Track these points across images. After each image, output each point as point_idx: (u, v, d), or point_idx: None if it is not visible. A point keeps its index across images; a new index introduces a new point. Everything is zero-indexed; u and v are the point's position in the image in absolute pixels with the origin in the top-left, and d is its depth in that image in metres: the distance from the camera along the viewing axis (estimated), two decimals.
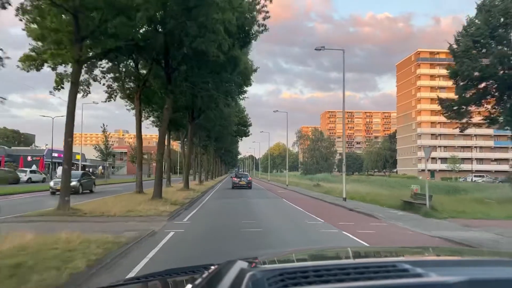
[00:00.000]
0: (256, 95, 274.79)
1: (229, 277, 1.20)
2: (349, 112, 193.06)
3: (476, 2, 25.19)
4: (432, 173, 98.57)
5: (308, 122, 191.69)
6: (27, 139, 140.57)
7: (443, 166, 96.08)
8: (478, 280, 1.03)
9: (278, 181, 62.33)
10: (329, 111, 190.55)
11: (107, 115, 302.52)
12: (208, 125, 39.98)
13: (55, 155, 64.45)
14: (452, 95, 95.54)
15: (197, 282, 1.42)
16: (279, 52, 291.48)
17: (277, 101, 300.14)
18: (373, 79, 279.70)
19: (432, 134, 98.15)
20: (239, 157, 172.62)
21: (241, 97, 29.60)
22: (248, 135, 65.09)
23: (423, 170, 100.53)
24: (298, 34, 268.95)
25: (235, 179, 38.81)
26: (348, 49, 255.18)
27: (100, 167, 69.27)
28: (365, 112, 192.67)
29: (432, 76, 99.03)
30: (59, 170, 54.76)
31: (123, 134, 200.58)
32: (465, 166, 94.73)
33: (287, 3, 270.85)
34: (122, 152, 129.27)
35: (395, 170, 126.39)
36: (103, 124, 49.08)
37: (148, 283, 1.89)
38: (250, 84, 29.22)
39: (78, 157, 76.47)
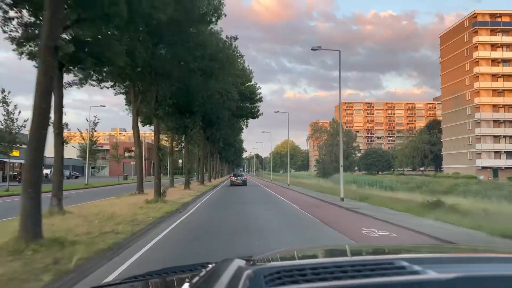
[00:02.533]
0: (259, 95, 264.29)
1: (226, 275, 1.20)
2: (369, 103, 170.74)
3: None
4: (495, 171, 75.86)
5: (315, 119, 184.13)
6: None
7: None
8: (474, 277, 1.04)
9: (303, 186, 39.95)
10: (345, 103, 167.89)
11: (111, 116, 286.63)
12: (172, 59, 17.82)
13: None
14: None
15: (194, 280, 1.41)
16: (281, 52, 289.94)
17: (281, 101, 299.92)
18: (376, 77, 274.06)
19: (494, 121, 75.35)
20: (244, 155, 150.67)
21: None
22: (257, 116, 42.75)
23: (484, 168, 78.06)
24: (300, 33, 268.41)
25: (233, 178, 45.01)
26: (350, 48, 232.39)
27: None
28: (387, 103, 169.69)
29: (494, 46, 76.30)
30: None
31: (120, 133, 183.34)
32: None
33: (289, 2, 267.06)
34: (106, 149, 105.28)
35: (434, 168, 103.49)
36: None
37: (146, 282, 1.87)
38: None
39: (15, 153, 55.04)
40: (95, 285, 1.85)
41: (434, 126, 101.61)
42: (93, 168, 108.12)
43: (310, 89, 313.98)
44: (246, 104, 40.12)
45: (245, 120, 45.68)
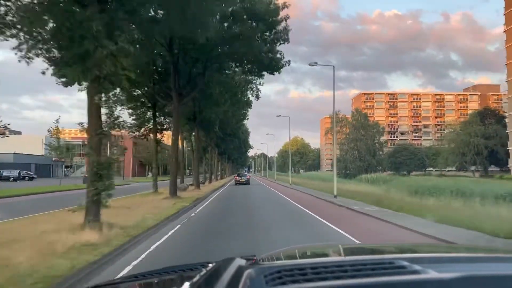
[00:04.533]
0: (264, 95, 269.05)
1: (227, 274, 1.20)
2: (391, 94, 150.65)
3: None
4: None
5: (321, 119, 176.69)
6: None
7: None
8: (474, 276, 1.04)
9: (365, 198, 20.11)
10: (365, 94, 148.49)
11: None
12: None
13: None
14: None
15: (195, 279, 1.41)
16: (285, 52, 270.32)
17: (285, 101, 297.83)
18: (381, 77, 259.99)
19: None
20: (249, 154, 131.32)
21: None
22: (279, 68, 22.85)
23: None
24: (304, 33, 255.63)
25: (237, 178, 49.00)
26: (355, 48, 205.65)
27: None
28: (412, 94, 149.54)
29: None
30: None
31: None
32: None
33: (293, 2, 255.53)
34: (84, 144, 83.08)
35: (484, 167, 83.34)
36: None
37: (146, 281, 1.88)
38: None
39: None
40: (94, 284, 1.83)
41: (487, 115, 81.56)
42: (67, 166, 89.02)
43: (315, 89, 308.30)
44: (261, 37, 20.33)
45: (256, 83, 25.93)
